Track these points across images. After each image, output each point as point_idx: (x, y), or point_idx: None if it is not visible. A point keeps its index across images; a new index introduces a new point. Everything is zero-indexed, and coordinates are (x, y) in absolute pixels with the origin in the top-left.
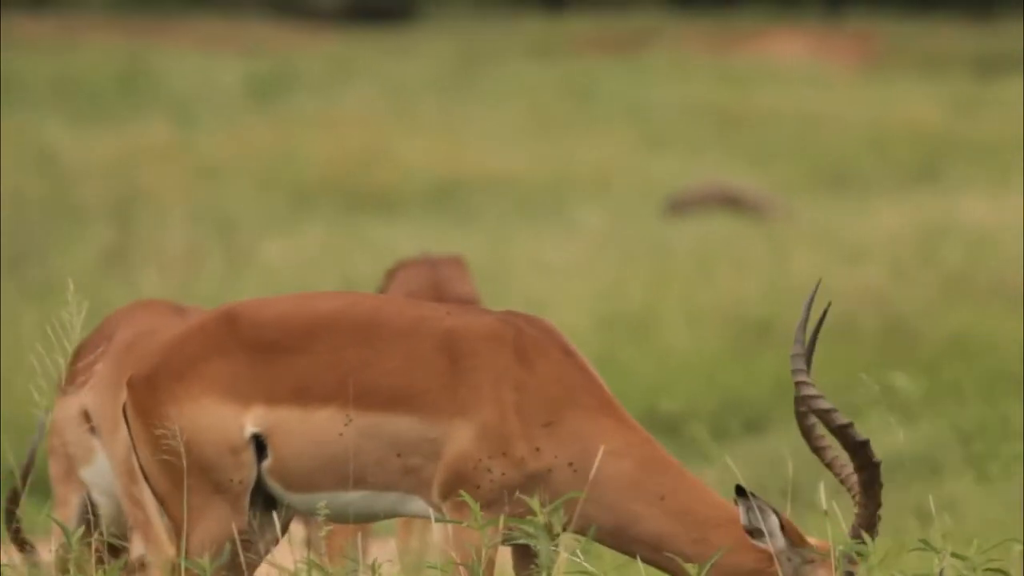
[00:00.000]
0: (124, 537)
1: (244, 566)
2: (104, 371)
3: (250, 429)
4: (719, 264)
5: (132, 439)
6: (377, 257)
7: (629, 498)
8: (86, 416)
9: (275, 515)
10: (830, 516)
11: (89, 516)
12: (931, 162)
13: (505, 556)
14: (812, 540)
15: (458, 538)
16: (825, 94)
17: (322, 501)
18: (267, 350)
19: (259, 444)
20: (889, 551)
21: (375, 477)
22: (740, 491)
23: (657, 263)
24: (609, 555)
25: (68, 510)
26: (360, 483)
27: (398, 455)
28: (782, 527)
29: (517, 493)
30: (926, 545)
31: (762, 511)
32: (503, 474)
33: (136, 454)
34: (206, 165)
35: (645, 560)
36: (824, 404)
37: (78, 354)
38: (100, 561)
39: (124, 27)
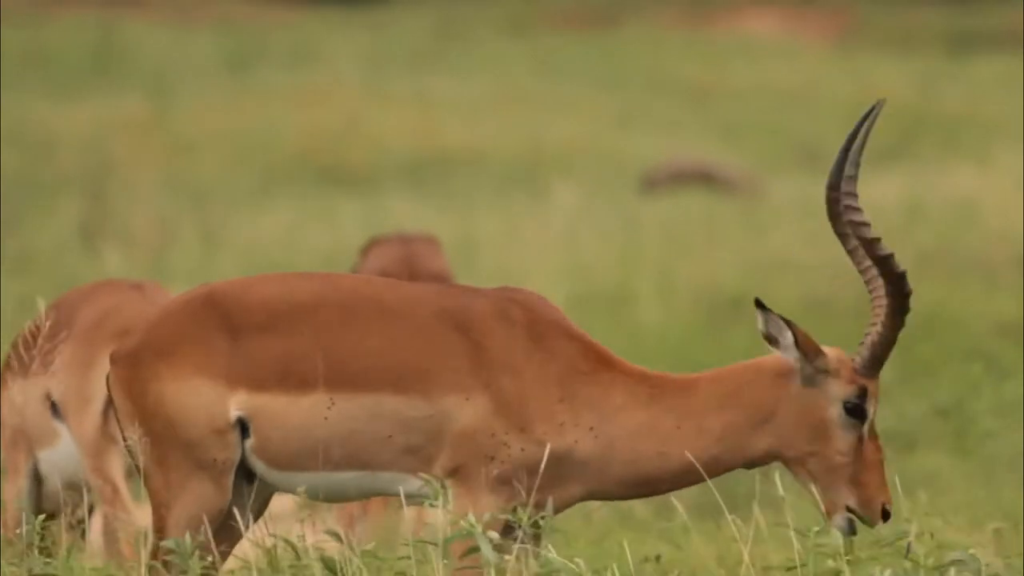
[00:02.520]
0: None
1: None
2: (68, 353)
3: (235, 412)
4: (693, 240)
5: (115, 412)
6: (351, 232)
7: (651, 443)
8: (48, 399)
9: (248, 492)
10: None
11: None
12: (904, 138)
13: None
14: (827, 350)
15: (461, 510)
16: (799, 70)
17: (310, 481)
18: (252, 332)
19: (243, 425)
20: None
21: (370, 457)
22: (759, 304)
23: (630, 239)
24: (587, 535)
25: (19, 477)
26: (355, 463)
27: (391, 435)
28: (796, 341)
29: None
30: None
31: (778, 325)
32: (522, 450)
33: (119, 426)
34: (179, 139)
35: (672, 490)
36: (870, 233)
37: (34, 336)
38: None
39: (96, 1)
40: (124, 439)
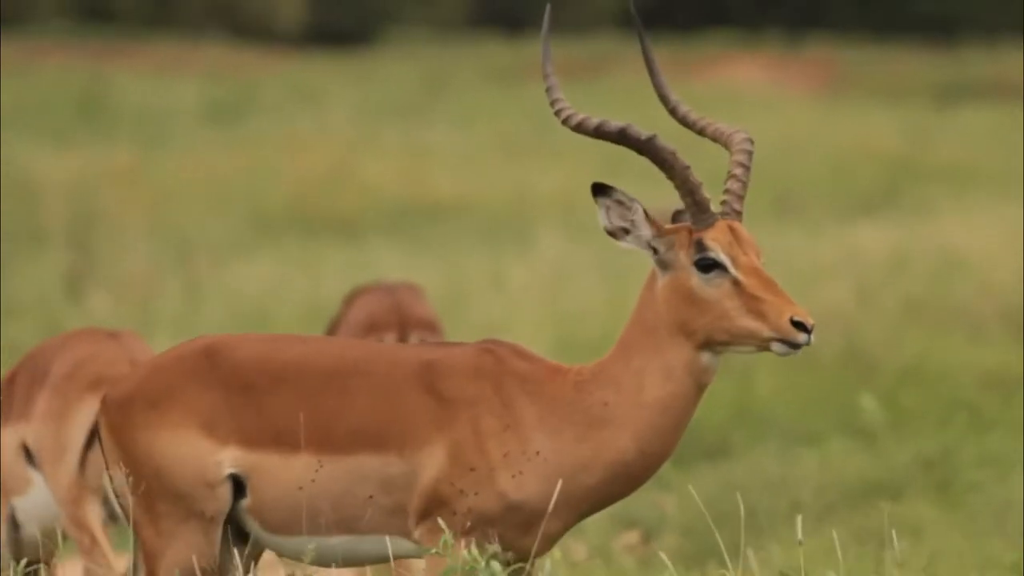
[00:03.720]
0: (43, 561)
1: None
2: (44, 402)
3: (228, 468)
4: None
5: (105, 458)
6: (336, 281)
7: (600, 433)
8: (24, 447)
9: (236, 552)
10: (803, 547)
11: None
12: (891, 188)
13: None
14: (668, 228)
15: (434, 570)
16: (785, 120)
17: (303, 545)
18: (243, 390)
19: (237, 483)
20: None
21: (358, 521)
22: (598, 188)
23: (617, 288)
24: None
25: None
26: (343, 528)
27: (374, 496)
28: (646, 216)
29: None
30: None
31: (622, 204)
32: (476, 494)
33: (108, 471)
34: (166, 188)
35: (660, 459)
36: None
37: (10, 385)
38: None
39: (83, 49)
40: (112, 487)
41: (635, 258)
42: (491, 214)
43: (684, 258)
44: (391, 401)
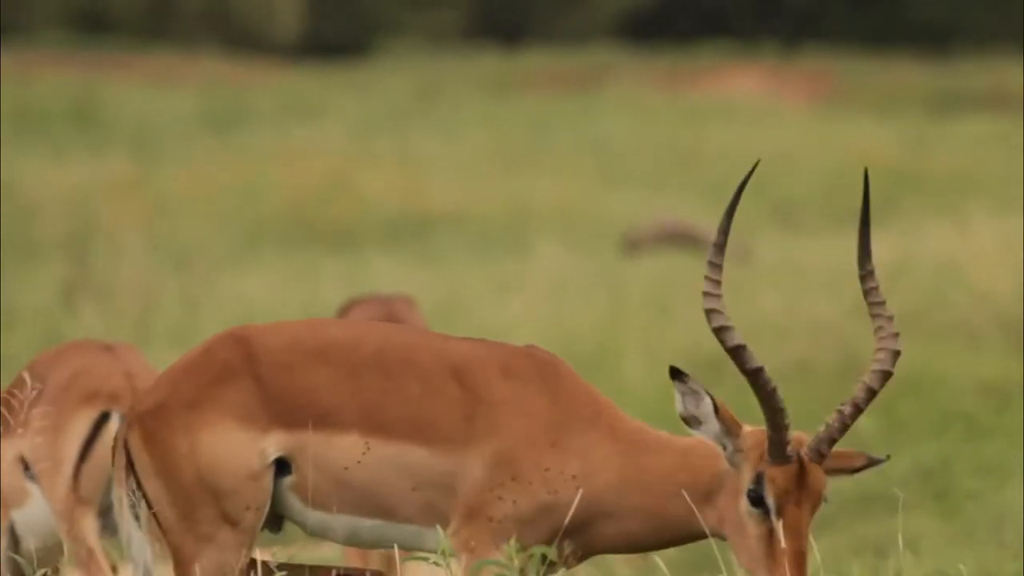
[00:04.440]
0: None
1: None
2: (40, 415)
3: (273, 453)
4: (675, 301)
5: (137, 473)
6: (335, 292)
7: (627, 496)
8: (22, 461)
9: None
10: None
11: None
12: (887, 199)
13: None
14: (747, 428)
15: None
16: (781, 131)
17: (338, 524)
18: (281, 372)
19: (279, 465)
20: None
21: (394, 508)
22: (674, 373)
23: (613, 299)
24: None
25: None
26: (379, 512)
27: (414, 488)
28: (716, 411)
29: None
30: None
31: (696, 394)
32: (514, 503)
33: (141, 488)
34: (162, 200)
35: (670, 542)
36: (732, 340)
37: (8, 398)
38: None
39: (78, 61)
40: (146, 500)
41: (632, 270)
42: (487, 225)
43: (746, 471)
44: (439, 394)
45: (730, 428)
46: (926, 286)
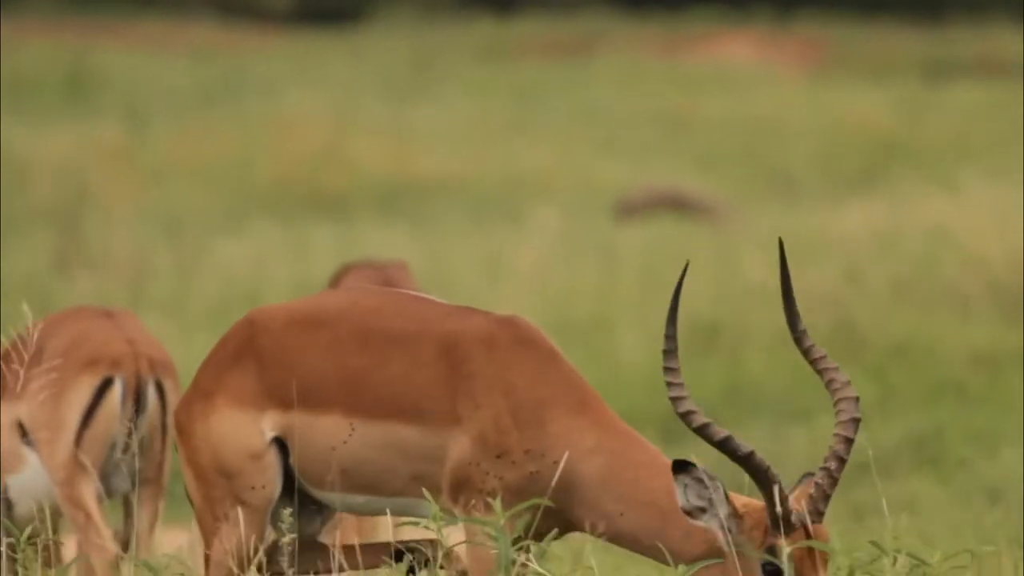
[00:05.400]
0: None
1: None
2: (39, 381)
3: (269, 433)
4: (668, 268)
5: (180, 460)
6: (328, 260)
7: (605, 496)
8: (19, 425)
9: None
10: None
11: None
12: (880, 166)
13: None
14: (740, 506)
15: (475, 553)
16: (774, 98)
17: (332, 499)
18: (280, 352)
19: (282, 445)
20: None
21: (385, 483)
22: (679, 465)
23: (606, 266)
24: (566, 555)
25: None
26: (370, 488)
27: (403, 463)
28: (725, 497)
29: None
30: (876, 546)
31: (709, 479)
32: (500, 478)
33: (184, 474)
34: (154, 167)
35: (640, 553)
36: (699, 420)
37: (4, 364)
38: (47, 562)
39: (71, 27)
40: (185, 487)
41: (626, 239)
42: (480, 192)
43: (751, 549)
44: (424, 371)
45: (736, 510)
46: (918, 253)
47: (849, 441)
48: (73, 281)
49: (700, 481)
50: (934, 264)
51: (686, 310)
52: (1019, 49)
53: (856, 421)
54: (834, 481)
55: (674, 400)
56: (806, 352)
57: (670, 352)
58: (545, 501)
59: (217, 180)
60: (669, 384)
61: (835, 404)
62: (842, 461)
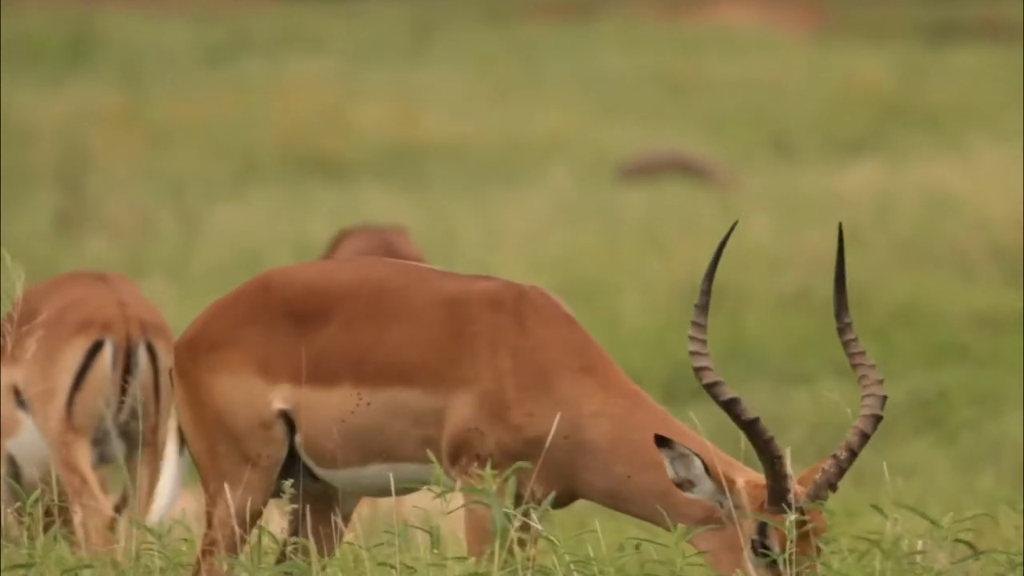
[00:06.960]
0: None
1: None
2: (33, 345)
3: (278, 405)
4: (671, 231)
5: (176, 399)
6: (329, 223)
7: (612, 460)
8: (15, 391)
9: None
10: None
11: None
12: (882, 129)
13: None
14: (741, 481)
15: (471, 518)
16: (776, 61)
17: (338, 477)
18: (294, 322)
19: (290, 420)
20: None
21: (397, 450)
22: (660, 440)
23: (609, 230)
24: (569, 522)
25: None
26: (384, 456)
27: (411, 426)
28: (707, 471)
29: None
30: (877, 509)
31: (684, 457)
32: (498, 441)
33: (178, 413)
34: (157, 129)
35: (645, 518)
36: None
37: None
38: (49, 525)
39: None
40: (179, 426)
41: (628, 202)
42: (482, 156)
43: (747, 524)
44: (428, 334)
45: (723, 485)
46: (920, 215)
47: (865, 436)
48: (75, 244)
49: (683, 456)
50: (936, 226)
51: (688, 272)
52: (1021, 12)
53: (877, 419)
54: (841, 471)
55: (692, 355)
56: (846, 344)
57: (701, 307)
58: (525, 464)
59: (219, 143)
60: (691, 338)
61: (862, 399)
62: (853, 454)
